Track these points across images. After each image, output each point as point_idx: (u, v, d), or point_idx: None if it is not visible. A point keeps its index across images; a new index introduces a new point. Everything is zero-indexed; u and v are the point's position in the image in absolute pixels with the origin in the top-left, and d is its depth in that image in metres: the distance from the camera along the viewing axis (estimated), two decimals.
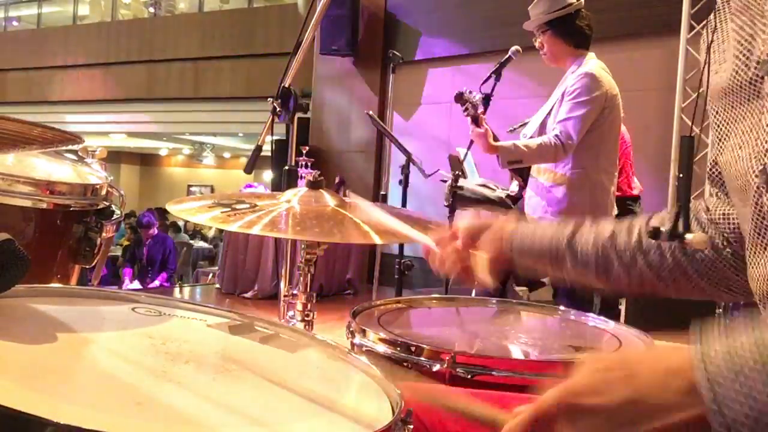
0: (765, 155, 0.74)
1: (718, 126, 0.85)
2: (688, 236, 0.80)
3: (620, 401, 0.58)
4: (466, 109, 3.02)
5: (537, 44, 3.16)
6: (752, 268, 0.79)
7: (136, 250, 9.76)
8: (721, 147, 0.84)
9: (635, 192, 4.22)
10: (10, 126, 0.87)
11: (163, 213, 10.46)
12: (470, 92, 3.04)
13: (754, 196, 0.76)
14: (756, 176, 0.75)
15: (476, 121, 3.01)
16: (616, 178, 3.25)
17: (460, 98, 3.03)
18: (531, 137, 3.20)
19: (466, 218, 1.14)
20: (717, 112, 0.85)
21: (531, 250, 1.07)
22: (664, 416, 0.56)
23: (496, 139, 3.04)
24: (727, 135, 0.83)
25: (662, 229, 0.84)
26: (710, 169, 0.94)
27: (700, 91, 0.90)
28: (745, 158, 0.77)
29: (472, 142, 3.23)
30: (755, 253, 0.78)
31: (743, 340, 0.56)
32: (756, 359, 0.55)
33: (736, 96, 0.81)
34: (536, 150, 2.94)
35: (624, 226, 1.02)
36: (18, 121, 0.86)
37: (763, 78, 0.77)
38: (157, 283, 9.04)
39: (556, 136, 2.91)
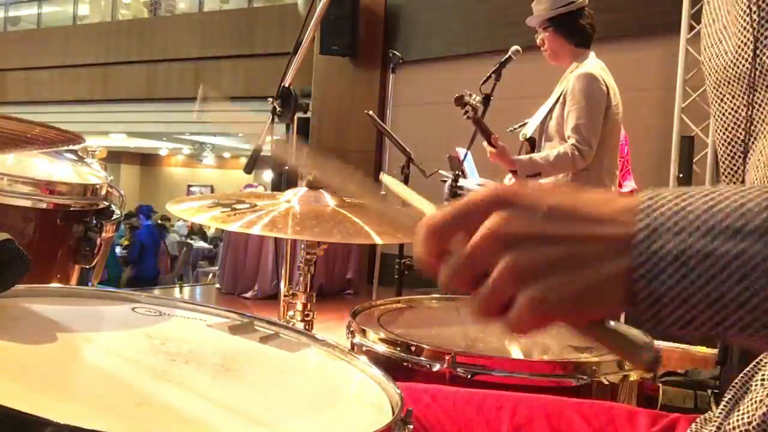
0: None
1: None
2: None
3: (557, 203, 0.54)
4: (466, 111, 3.02)
5: (538, 41, 3.16)
6: None
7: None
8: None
9: (626, 190, 4.20)
10: (10, 125, 0.87)
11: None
12: (470, 95, 3.04)
13: None
14: None
15: (479, 124, 3.01)
16: (618, 178, 3.25)
17: (460, 101, 3.03)
18: (531, 137, 3.20)
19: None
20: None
21: None
22: (596, 227, 0.52)
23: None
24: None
25: None
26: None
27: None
28: None
29: (471, 142, 3.23)
30: None
31: (696, 189, 0.52)
32: (705, 201, 0.50)
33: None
34: (553, 161, 2.93)
35: None
36: (18, 120, 0.86)
37: None
38: None
39: (573, 145, 2.90)
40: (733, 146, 0.78)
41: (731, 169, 0.79)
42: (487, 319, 0.55)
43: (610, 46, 4.70)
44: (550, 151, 3.01)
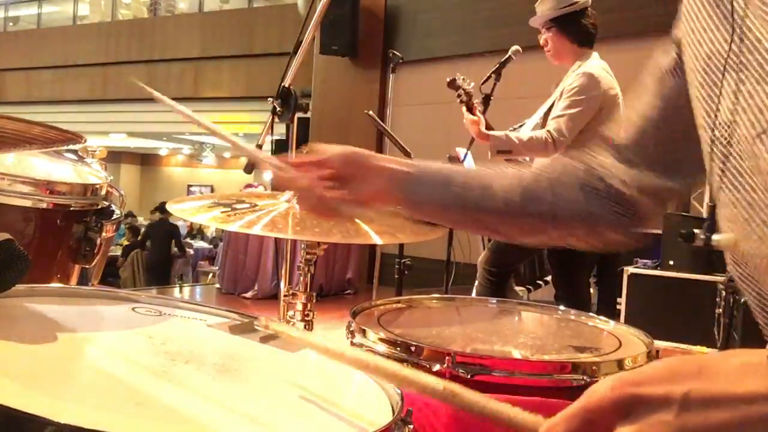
0: None
1: None
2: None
3: (688, 391, 0.49)
4: (459, 95, 3.04)
5: (542, 42, 3.16)
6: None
7: None
8: None
9: None
10: (10, 125, 0.87)
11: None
12: (463, 79, 3.07)
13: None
14: None
15: (470, 108, 3.04)
16: None
17: (452, 84, 3.05)
18: None
19: (336, 149, 0.96)
20: None
21: (423, 202, 0.98)
22: (738, 409, 0.48)
23: (489, 128, 3.06)
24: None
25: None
26: None
27: None
28: None
29: (471, 142, 3.23)
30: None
31: None
32: None
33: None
34: (527, 142, 2.96)
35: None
36: (18, 120, 0.86)
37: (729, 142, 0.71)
38: None
39: (548, 131, 2.93)
40: (716, 130, 0.78)
41: (718, 156, 0.78)
42: None
43: (611, 46, 4.69)
44: (526, 132, 3.04)
